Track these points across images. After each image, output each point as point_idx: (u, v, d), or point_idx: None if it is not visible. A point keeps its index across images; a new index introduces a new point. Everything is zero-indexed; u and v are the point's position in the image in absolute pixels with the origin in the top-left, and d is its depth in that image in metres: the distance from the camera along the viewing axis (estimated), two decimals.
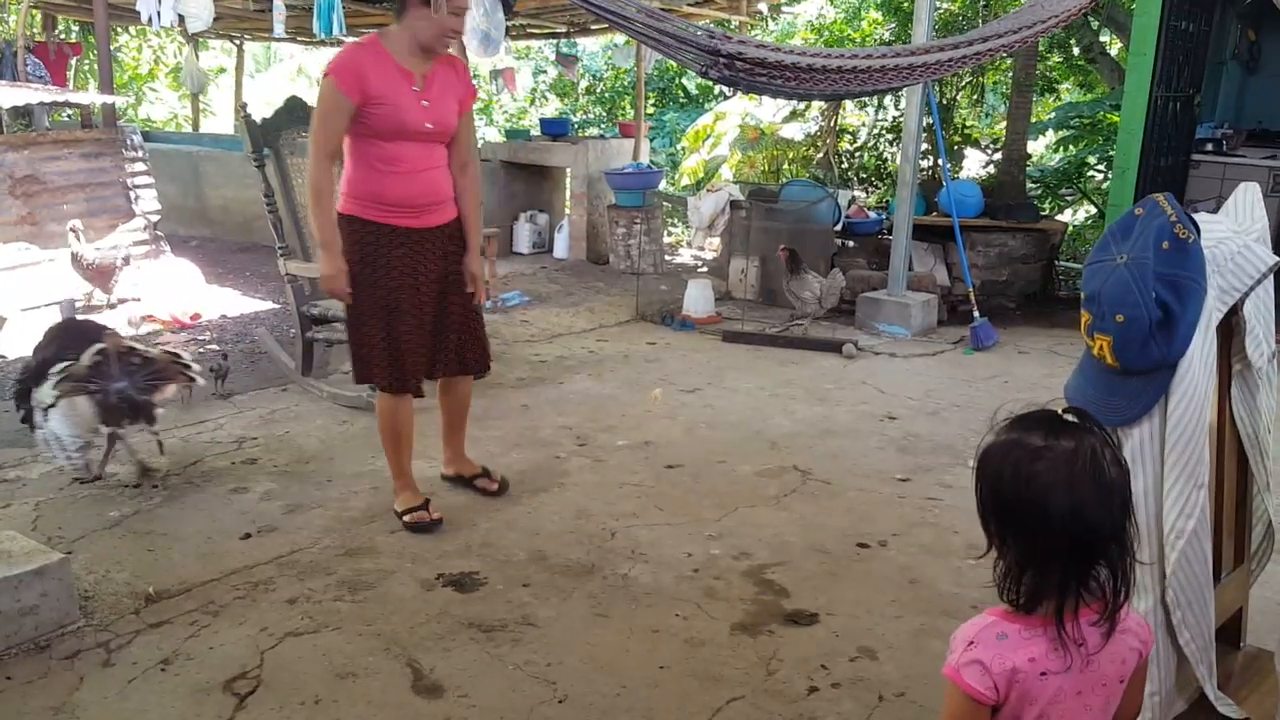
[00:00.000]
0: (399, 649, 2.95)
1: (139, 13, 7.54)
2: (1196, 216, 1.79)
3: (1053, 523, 1.36)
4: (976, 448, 1.48)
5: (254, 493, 4.04)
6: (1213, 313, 1.76)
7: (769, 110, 11.50)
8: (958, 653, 1.43)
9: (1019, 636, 1.40)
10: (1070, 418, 1.43)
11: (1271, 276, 1.89)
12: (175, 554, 3.50)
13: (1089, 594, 1.40)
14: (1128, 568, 1.40)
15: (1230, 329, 1.97)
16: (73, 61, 10.82)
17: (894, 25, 11.12)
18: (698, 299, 7.18)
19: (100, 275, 6.69)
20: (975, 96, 11.44)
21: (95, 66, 10.26)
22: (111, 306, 6.82)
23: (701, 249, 10.10)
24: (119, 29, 13.38)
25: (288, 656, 2.90)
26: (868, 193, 10.87)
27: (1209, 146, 8.37)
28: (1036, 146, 12.59)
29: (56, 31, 10.77)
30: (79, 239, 6.55)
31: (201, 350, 6.05)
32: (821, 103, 10.58)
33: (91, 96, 8.22)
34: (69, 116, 9.83)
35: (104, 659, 2.86)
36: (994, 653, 1.40)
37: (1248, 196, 1.98)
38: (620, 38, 11.37)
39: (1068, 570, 1.38)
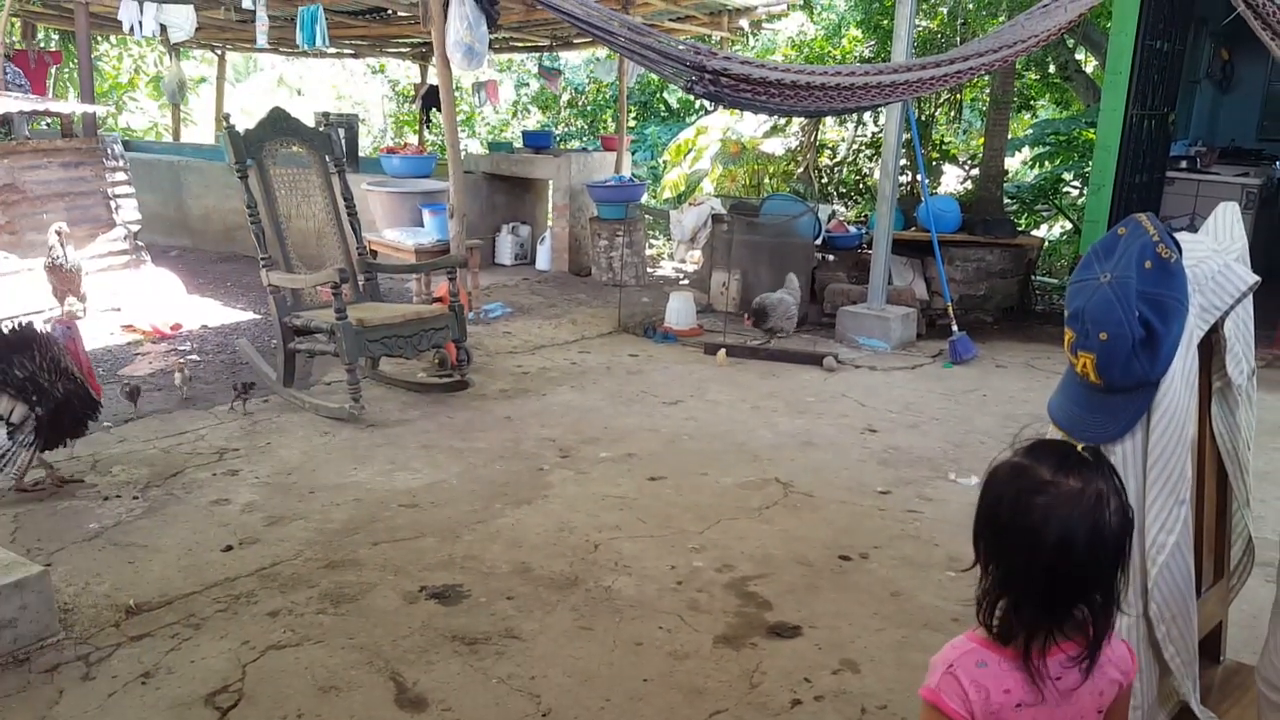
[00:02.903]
0: (382, 662, 2.94)
1: (120, 22, 7.52)
2: (1178, 236, 1.82)
3: (1038, 558, 1.37)
4: (989, 464, 1.48)
5: (235, 504, 4.02)
6: (1194, 331, 1.79)
7: (750, 125, 11.56)
8: (937, 675, 1.44)
9: (998, 666, 1.41)
10: (1087, 455, 1.42)
11: (1250, 295, 1.92)
12: (156, 566, 3.48)
13: (1063, 633, 1.40)
14: (1110, 616, 1.41)
15: (1211, 347, 2.00)
16: (53, 70, 10.74)
17: (874, 43, 11.23)
18: (679, 311, 7.20)
19: (72, 282, 6.61)
20: (953, 113, 11.57)
21: (76, 75, 10.19)
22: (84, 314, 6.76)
23: (683, 262, 10.13)
24: (99, 38, 13.30)
25: (270, 670, 2.88)
26: (847, 207, 10.96)
27: (1183, 164, 8.50)
28: (1013, 163, 12.72)
29: (36, 40, 10.69)
30: (63, 245, 6.48)
31: (182, 359, 6.01)
32: (802, 118, 10.65)
33: (72, 105, 8.18)
34: (49, 125, 9.78)
35: (84, 672, 2.84)
36: (972, 679, 1.41)
37: (1227, 216, 2.01)
38: (602, 51, 11.43)
39: (1042, 607, 1.39)
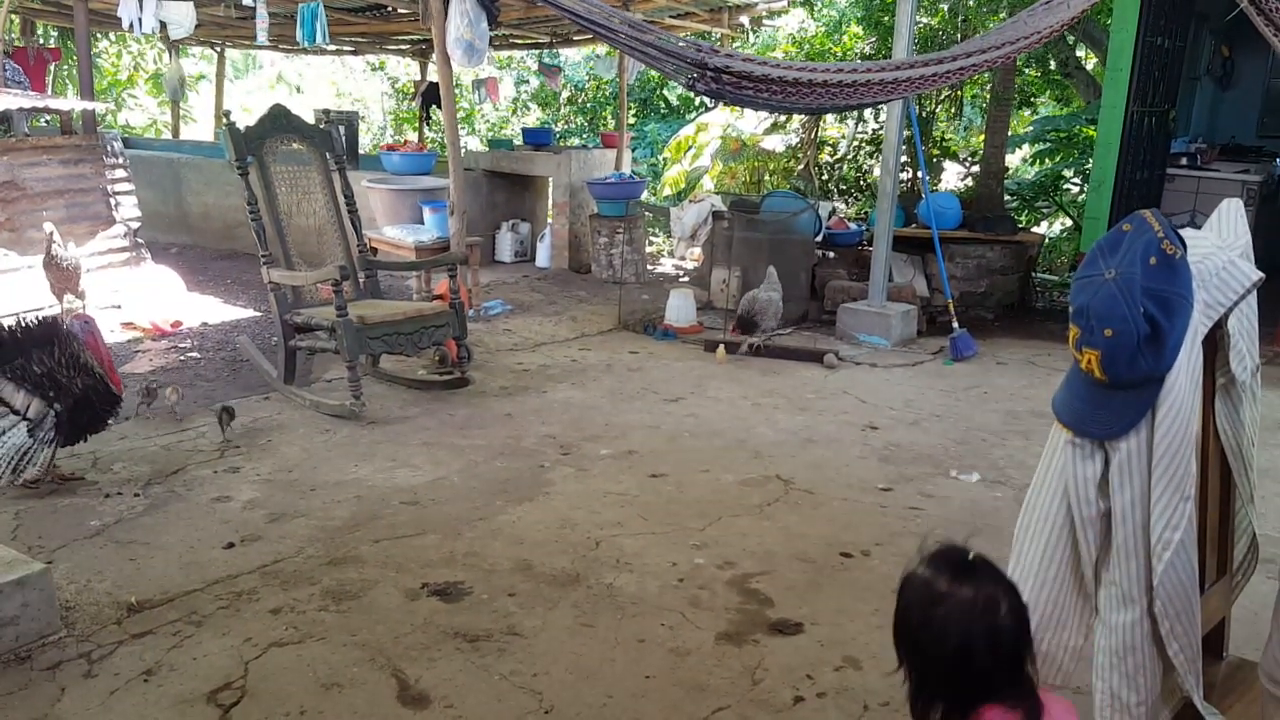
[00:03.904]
0: (384, 659, 2.94)
1: (120, 19, 7.50)
2: (1182, 232, 1.82)
3: (943, 662, 1.53)
4: (903, 570, 1.62)
5: (237, 502, 4.02)
6: (1198, 327, 1.79)
7: (750, 122, 11.56)
8: None
9: None
10: (977, 562, 1.57)
11: (1254, 291, 1.92)
12: (157, 563, 3.48)
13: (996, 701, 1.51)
14: (1029, 699, 1.53)
15: (1215, 343, 1.99)
16: (52, 67, 10.73)
17: (874, 39, 11.22)
18: (680, 309, 7.19)
19: (71, 279, 6.59)
20: (954, 110, 11.56)
21: (75, 72, 10.18)
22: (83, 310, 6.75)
23: (683, 259, 10.13)
24: (99, 35, 13.30)
25: (272, 667, 2.88)
26: (848, 204, 10.95)
27: (1183, 161, 8.50)
28: (1014, 159, 12.71)
29: (35, 36, 10.68)
30: (59, 243, 6.47)
31: (183, 358, 6.01)
32: (803, 115, 10.65)
33: (72, 102, 8.16)
34: (48, 122, 9.76)
35: (86, 670, 2.84)
36: None
37: (1231, 212, 2.01)
38: (602, 48, 11.43)
39: (955, 704, 1.53)
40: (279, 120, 5.51)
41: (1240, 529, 2.25)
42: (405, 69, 16.68)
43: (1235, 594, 2.34)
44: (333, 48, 12.35)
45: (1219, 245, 1.90)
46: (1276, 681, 1.91)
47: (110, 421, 4.25)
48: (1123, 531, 1.84)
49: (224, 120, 5.53)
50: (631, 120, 14.36)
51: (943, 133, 11.64)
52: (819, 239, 8.08)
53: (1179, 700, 2.02)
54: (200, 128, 16.19)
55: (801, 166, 11.31)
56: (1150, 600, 1.86)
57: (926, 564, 1.58)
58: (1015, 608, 1.54)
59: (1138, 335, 1.70)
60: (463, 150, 8.17)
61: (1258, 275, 1.88)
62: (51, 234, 6.43)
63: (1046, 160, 11.57)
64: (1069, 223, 11.53)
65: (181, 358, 6.02)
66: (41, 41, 11.16)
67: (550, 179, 9.77)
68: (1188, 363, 1.76)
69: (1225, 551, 2.26)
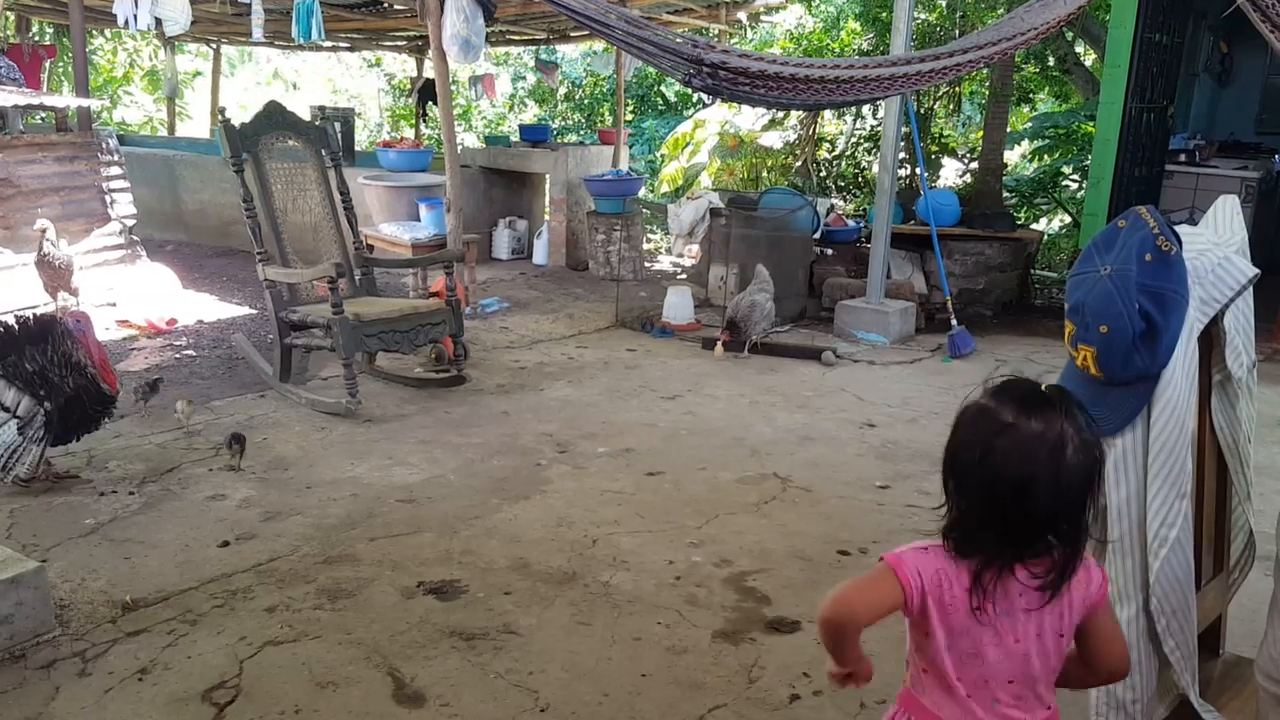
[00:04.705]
0: (379, 658, 2.93)
1: (115, 15, 7.48)
2: (1178, 228, 1.81)
3: (997, 498, 1.39)
4: (961, 402, 1.50)
5: (232, 500, 4.01)
6: (1194, 324, 1.79)
7: (748, 118, 11.56)
8: (901, 549, 1.49)
9: (958, 570, 1.45)
10: (1051, 395, 1.43)
11: (1250, 288, 1.91)
12: (153, 562, 3.47)
13: (1022, 563, 1.42)
14: (1078, 547, 1.42)
15: (1211, 340, 1.99)
16: (47, 64, 10.72)
17: (872, 35, 11.21)
18: (677, 306, 7.19)
19: (63, 276, 6.57)
20: (952, 106, 11.55)
21: (70, 69, 10.15)
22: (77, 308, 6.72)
23: (681, 256, 10.12)
24: (94, 31, 13.28)
25: (267, 666, 2.88)
26: (846, 201, 10.94)
27: (1182, 157, 8.50)
28: (1012, 156, 12.71)
29: (30, 33, 10.66)
30: (53, 242, 6.45)
31: (178, 356, 6.00)
32: (800, 112, 10.64)
33: (67, 99, 8.13)
34: (43, 120, 9.74)
35: (80, 669, 2.83)
36: (935, 568, 1.45)
37: (1227, 208, 2.00)
38: (600, 44, 11.42)
39: (1002, 542, 1.41)
40: (274, 117, 5.49)
41: (1237, 526, 2.24)
42: (402, 65, 16.66)
43: (1232, 591, 2.34)
44: (329, 44, 12.33)
45: (1215, 241, 1.90)
46: (1273, 679, 1.91)
47: (105, 420, 4.23)
48: (1118, 528, 1.84)
49: (219, 117, 5.51)
50: (629, 117, 14.35)
51: (941, 129, 11.63)
52: (817, 236, 8.08)
53: (1175, 697, 2.02)
54: (196, 124, 16.16)
55: (799, 163, 11.30)
56: (1146, 597, 1.86)
57: (991, 395, 1.43)
58: (1086, 445, 1.39)
59: (1133, 332, 1.70)
60: (459, 147, 8.16)
61: (1253, 271, 1.88)
62: (45, 231, 6.41)
63: (1045, 157, 11.57)
64: (1068, 219, 11.52)
65: (177, 355, 6.01)
66: (36, 38, 11.15)
67: (547, 176, 9.75)
68: (1184, 359, 1.76)
69: (1221, 548, 2.25)
